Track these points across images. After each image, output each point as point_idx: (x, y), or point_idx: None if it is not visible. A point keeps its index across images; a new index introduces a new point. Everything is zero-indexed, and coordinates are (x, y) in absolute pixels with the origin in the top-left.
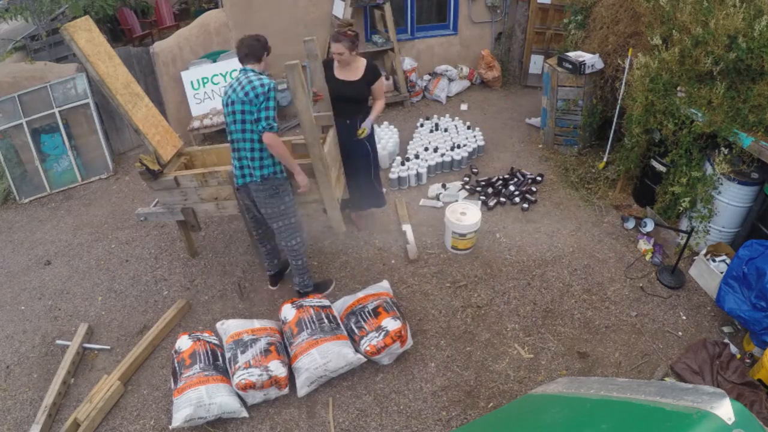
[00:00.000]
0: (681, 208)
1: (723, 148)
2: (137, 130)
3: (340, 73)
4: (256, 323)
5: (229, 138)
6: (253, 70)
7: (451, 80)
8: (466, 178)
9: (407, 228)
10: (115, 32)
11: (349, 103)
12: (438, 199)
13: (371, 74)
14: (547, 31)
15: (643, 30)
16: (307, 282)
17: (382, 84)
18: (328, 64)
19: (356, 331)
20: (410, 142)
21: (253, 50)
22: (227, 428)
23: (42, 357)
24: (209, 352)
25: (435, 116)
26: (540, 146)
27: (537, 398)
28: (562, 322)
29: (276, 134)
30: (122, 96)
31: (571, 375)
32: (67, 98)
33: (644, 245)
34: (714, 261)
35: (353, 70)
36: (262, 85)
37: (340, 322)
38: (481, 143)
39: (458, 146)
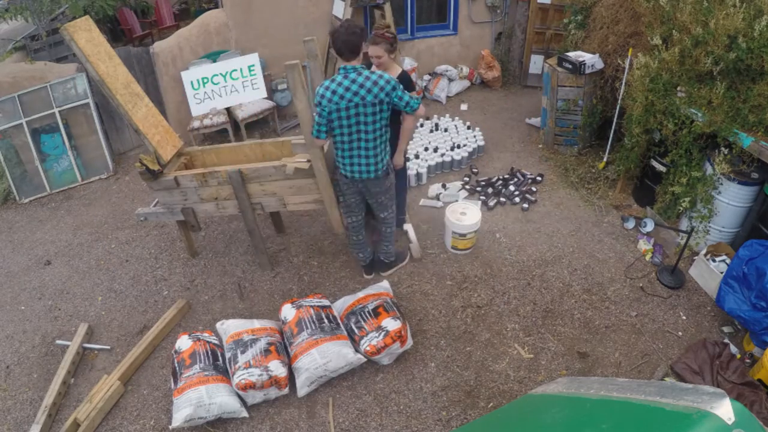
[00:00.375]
0: (681, 208)
1: (723, 148)
2: (137, 130)
3: None
4: (256, 323)
5: (343, 138)
6: (361, 67)
7: (451, 80)
8: (466, 178)
9: (408, 227)
10: (115, 32)
11: None
12: (438, 199)
13: (404, 85)
14: (547, 31)
15: (643, 30)
16: (393, 250)
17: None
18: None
19: (356, 331)
20: (410, 142)
21: (348, 46)
22: (227, 428)
23: (42, 357)
24: (209, 352)
25: (435, 116)
26: (540, 146)
27: (537, 398)
28: (562, 322)
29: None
30: (122, 96)
31: (571, 375)
32: (67, 98)
33: (644, 245)
34: (714, 261)
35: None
36: (388, 82)
37: (340, 322)
38: (481, 143)
39: (458, 146)
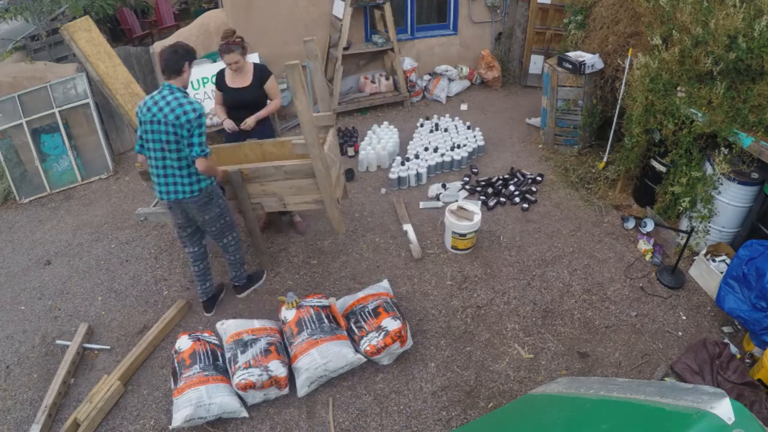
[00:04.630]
0: (681, 208)
1: (723, 148)
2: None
3: (232, 82)
4: (256, 323)
5: (149, 154)
6: (178, 88)
7: (451, 80)
8: (466, 178)
9: (408, 227)
10: (115, 32)
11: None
12: (438, 199)
13: (263, 73)
14: (547, 31)
15: (643, 30)
16: (241, 275)
17: (275, 83)
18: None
19: (356, 331)
20: (410, 142)
21: (170, 64)
22: (227, 428)
23: (42, 357)
24: (209, 352)
25: (435, 116)
26: (540, 146)
27: (537, 398)
28: (562, 322)
29: (208, 158)
30: (122, 96)
31: (571, 375)
32: (67, 98)
33: (644, 245)
34: (714, 261)
35: (245, 74)
36: (194, 110)
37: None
38: (481, 143)
39: (458, 146)
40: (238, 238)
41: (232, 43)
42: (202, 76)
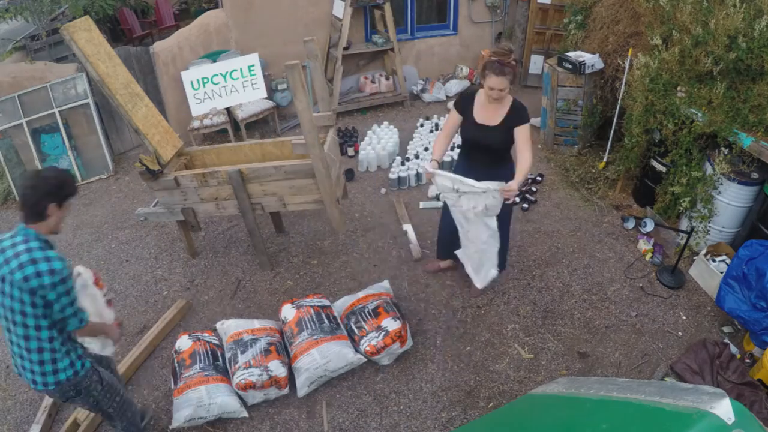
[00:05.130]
0: (681, 208)
1: (723, 148)
2: (137, 130)
3: (482, 115)
4: (256, 323)
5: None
6: (36, 236)
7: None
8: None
9: (408, 227)
10: (115, 32)
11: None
12: (438, 200)
13: (520, 113)
14: (547, 31)
15: (643, 30)
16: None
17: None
18: (465, 98)
19: (356, 331)
20: (410, 142)
21: (27, 201)
22: (227, 428)
23: None
24: (209, 352)
25: (435, 116)
26: (540, 146)
27: (537, 398)
28: (562, 322)
29: (86, 325)
30: (122, 96)
31: (571, 375)
32: (67, 98)
33: (644, 245)
34: (714, 261)
35: (500, 109)
36: (51, 272)
37: (340, 322)
38: None
39: (458, 146)
40: (125, 404)
41: (506, 65)
42: (202, 76)
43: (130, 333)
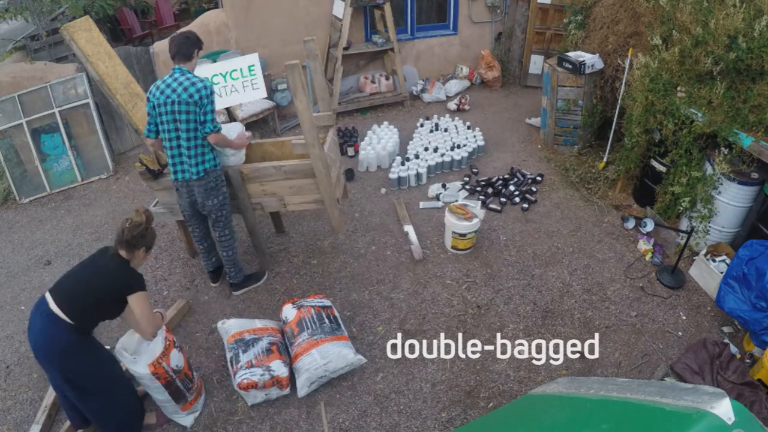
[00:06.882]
0: (681, 208)
1: (723, 148)
2: (137, 130)
3: None
4: (257, 323)
5: (163, 135)
6: (187, 71)
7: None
8: (466, 178)
9: (409, 228)
10: (115, 32)
11: None
12: (438, 199)
13: None
14: (547, 31)
15: (643, 30)
16: (235, 273)
17: None
18: None
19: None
20: (410, 142)
21: (182, 49)
22: (227, 428)
23: None
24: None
25: (435, 116)
26: (540, 146)
27: (537, 398)
28: (562, 322)
29: (219, 132)
30: (122, 96)
31: (571, 375)
32: (67, 98)
33: (644, 245)
34: (714, 261)
35: None
36: (205, 87)
37: (340, 322)
38: (481, 143)
39: (458, 146)
40: (231, 236)
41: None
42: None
43: None
